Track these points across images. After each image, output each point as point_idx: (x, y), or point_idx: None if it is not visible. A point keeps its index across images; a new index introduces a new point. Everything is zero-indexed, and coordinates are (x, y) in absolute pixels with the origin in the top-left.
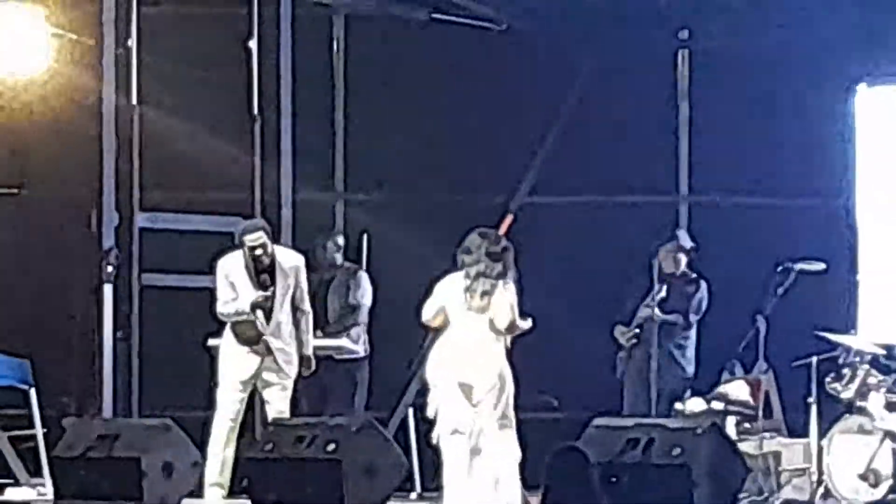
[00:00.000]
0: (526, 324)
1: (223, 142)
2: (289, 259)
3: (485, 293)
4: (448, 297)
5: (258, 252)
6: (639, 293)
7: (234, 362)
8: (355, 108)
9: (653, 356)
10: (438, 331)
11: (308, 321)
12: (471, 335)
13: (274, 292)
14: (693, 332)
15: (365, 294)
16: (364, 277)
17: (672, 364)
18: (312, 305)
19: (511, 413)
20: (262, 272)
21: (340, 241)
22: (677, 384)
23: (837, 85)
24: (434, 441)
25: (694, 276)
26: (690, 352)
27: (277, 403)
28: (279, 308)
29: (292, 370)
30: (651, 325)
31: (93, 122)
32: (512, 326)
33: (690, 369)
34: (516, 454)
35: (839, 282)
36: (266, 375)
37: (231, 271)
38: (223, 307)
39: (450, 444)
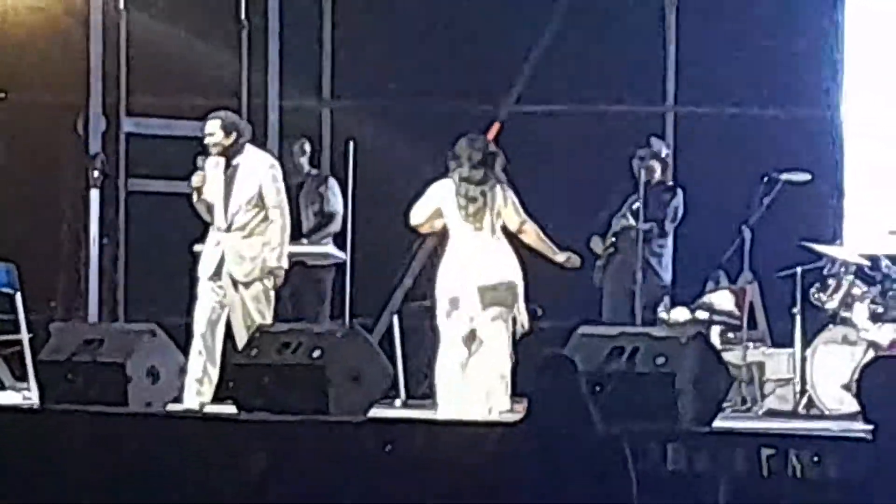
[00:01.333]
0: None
1: (210, 47)
2: (254, 159)
3: (470, 199)
4: (443, 201)
5: (213, 140)
6: (617, 202)
7: (202, 255)
8: (343, 14)
9: (630, 264)
10: (431, 239)
11: (274, 229)
12: (466, 243)
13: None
14: (669, 241)
15: (339, 203)
16: (335, 185)
17: (649, 272)
18: None
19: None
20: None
21: (307, 147)
22: (655, 292)
23: None
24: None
25: (670, 183)
26: (667, 260)
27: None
28: (229, 205)
29: (237, 270)
30: (627, 234)
31: (80, 27)
32: (512, 220)
33: (667, 277)
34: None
35: (824, 193)
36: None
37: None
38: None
39: (448, 351)
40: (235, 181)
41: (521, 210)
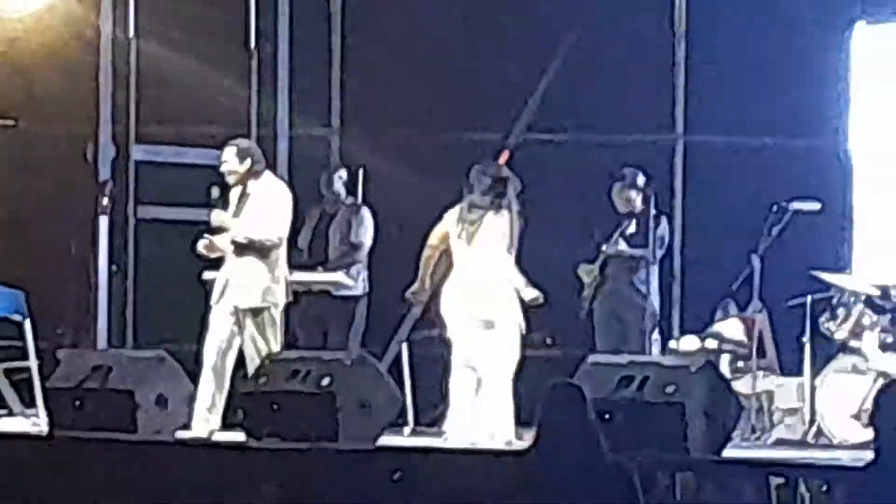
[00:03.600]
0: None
1: (220, 75)
2: (267, 186)
3: (471, 222)
4: (449, 225)
5: (222, 169)
6: (607, 232)
7: (215, 282)
8: (353, 43)
9: (619, 292)
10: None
11: (278, 257)
12: (465, 266)
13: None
14: (656, 269)
15: (366, 232)
16: (366, 215)
17: (638, 299)
18: (315, 240)
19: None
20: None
21: (344, 174)
22: (642, 319)
23: (835, 23)
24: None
25: (654, 212)
26: (654, 287)
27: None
28: (238, 230)
29: (245, 300)
30: (616, 262)
31: (90, 55)
32: (503, 252)
33: (656, 304)
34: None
35: (834, 222)
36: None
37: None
38: None
39: (458, 376)
40: (245, 207)
41: (506, 242)
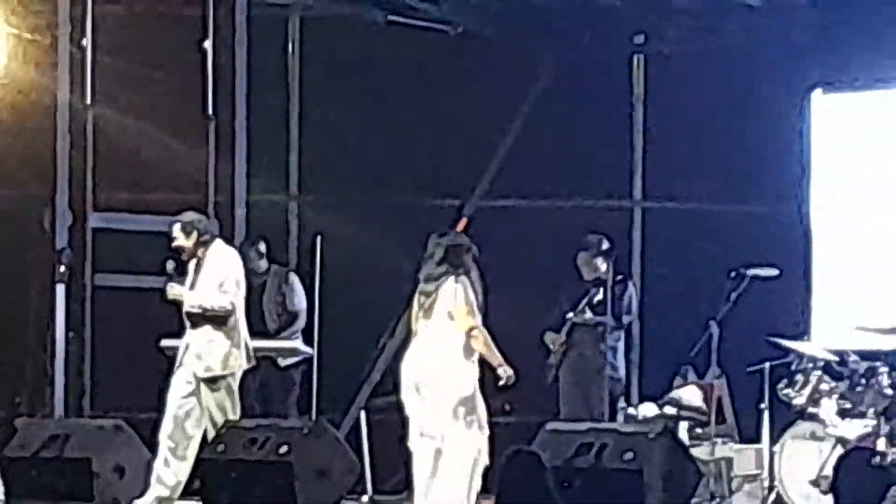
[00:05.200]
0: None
1: (178, 142)
2: (217, 256)
3: (426, 294)
4: (413, 300)
5: (173, 245)
6: (573, 298)
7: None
8: (310, 109)
9: (585, 358)
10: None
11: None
12: (421, 338)
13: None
14: (622, 335)
15: (302, 300)
16: (296, 281)
17: (605, 366)
18: (247, 311)
19: (476, 413)
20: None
21: (262, 247)
22: (611, 386)
23: (793, 91)
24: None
25: (620, 277)
26: (620, 354)
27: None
28: (190, 301)
29: (200, 368)
30: (581, 329)
31: (47, 121)
32: (461, 321)
33: (622, 371)
34: (473, 453)
35: (792, 288)
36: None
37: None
38: None
39: (417, 447)
40: (199, 277)
41: (475, 312)
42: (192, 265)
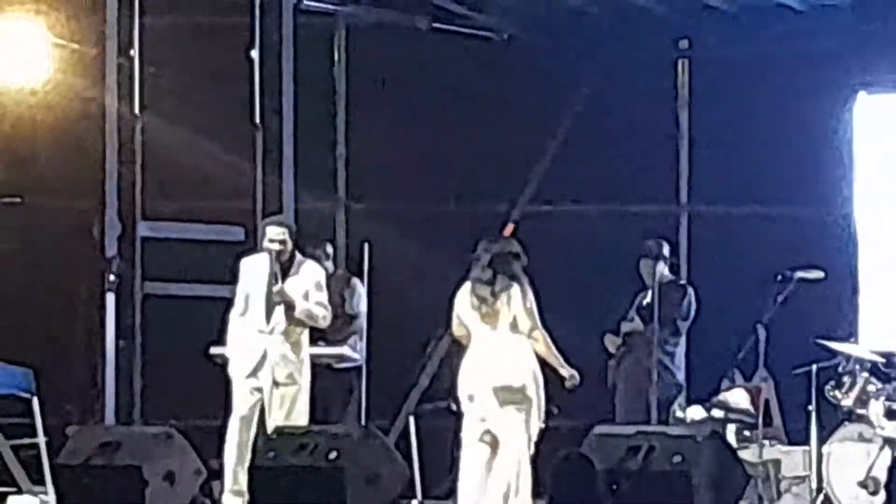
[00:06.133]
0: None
1: (225, 151)
2: (304, 265)
3: (482, 299)
4: (459, 305)
5: (277, 247)
6: (628, 301)
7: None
8: (356, 117)
9: (643, 363)
10: (446, 339)
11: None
12: (483, 342)
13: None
14: (683, 339)
15: (361, 302)
16: (358, 286)
17: (662, 370)
18: None
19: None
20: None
21: (329, 249)
22: (668, 391)
23: (837, 93)
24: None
25: (681, 282)
26: (679, 359)
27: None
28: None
29: (284, 373)
30: (637, 334)
31: (95, 131)
32: (531, 328)
33: (681, 376)
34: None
35: (839, 290)
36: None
37: (250, 275)
38: (231, 321)
39: (469, 451)
40: (294, 283)
41: (535, 315)
42: (264, 266)
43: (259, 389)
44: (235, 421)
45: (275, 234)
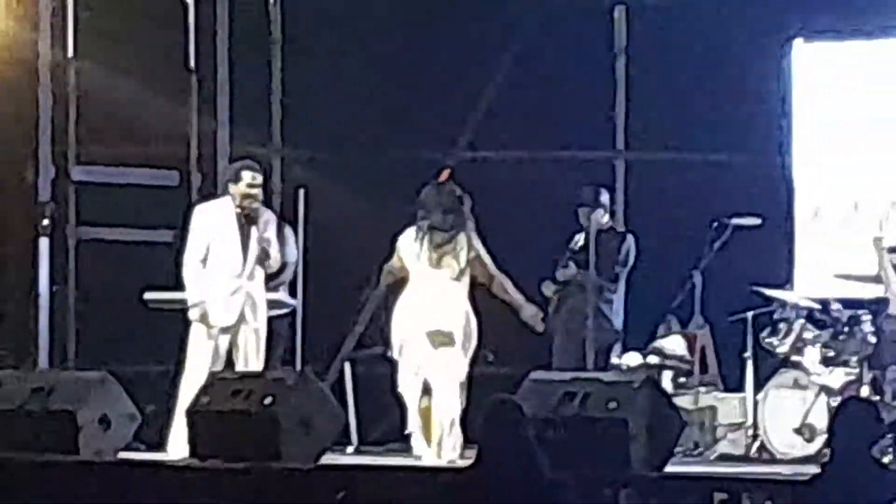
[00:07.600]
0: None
1: (160, 96)
2: (265, 212)
3: (438, 245)
4: (404, 249)
5: (256, 192)
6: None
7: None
8: (293, 62)
9: (580, 310)
10: (392, 286)
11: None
12: (431, 287)
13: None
14: (621, 286)
15: (293, 252)
16: (290, 233)
17: (600, 318)
18: None
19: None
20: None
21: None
22: (606, 338)
23: (774, 40)
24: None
25: (620, 230)
26: (618, 305)
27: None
28: (248, 256)
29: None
30: (575, 281)
31: (29, 75)
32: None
33: (618, 322)
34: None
35: (775, 237)
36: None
37: (213, 222)
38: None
39: (408, 387)
40: (253, 232)
41: (491, 261)
42: (230, 212)
43: (232, 334)
44: (200, 367)
45: (254, 178)
